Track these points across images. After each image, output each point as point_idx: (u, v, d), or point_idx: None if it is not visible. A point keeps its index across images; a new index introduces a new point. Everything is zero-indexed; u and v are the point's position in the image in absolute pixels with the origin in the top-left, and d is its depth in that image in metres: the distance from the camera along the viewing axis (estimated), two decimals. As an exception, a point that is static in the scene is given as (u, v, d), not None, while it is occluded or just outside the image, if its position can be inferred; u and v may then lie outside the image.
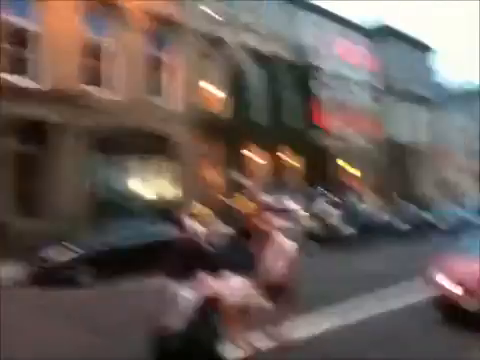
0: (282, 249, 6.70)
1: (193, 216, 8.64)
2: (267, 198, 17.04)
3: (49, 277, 12.35)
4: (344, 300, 10.14)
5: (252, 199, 15.61)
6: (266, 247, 6.64)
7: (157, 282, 4.53)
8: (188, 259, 3.92)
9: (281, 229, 7.15)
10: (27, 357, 6.95)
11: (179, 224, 6.83)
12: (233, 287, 5.29)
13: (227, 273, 5.49)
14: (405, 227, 24.16)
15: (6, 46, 17.32)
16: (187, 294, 3.63)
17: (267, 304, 6.10)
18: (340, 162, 31.53)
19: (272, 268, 6.49)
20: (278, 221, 7.53)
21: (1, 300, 10.89)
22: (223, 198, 19.80)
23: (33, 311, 9.86)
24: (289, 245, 6.84)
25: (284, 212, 8.89)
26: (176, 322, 3.53)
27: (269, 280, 6.35)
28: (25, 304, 10.61)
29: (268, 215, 7.20)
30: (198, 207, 16.10)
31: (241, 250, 6.26)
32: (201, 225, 7.60)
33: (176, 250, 4.86)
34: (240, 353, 5.26)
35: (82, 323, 8.85)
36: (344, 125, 32.08)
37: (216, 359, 3.64)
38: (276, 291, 6.31)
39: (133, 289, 11.95)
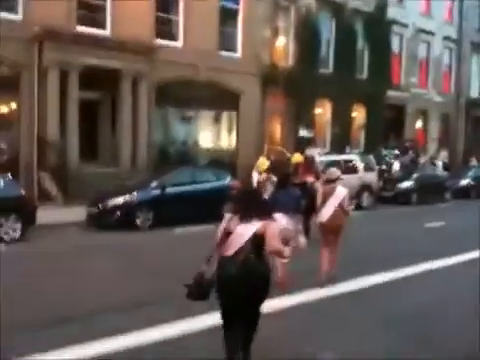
0: (334, 196, 8.09)
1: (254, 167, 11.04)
2: (318, 155, 17.67)
3: (108, 219, 12.62)
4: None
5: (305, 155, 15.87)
6: (318, 194, 8.37)
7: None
8: (245, 202, 4.74)
9: (328, 181, 8.39)
10: (83, 296, 7.02)
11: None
12: (280, 224, 6.29)
13: (277, 214, 6.98)
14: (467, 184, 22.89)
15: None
16: (244, 230, 4.47)
17: (303, 242, 7.48)
18: (414, 118, 30.18)
19: (322, 212, 8.10)
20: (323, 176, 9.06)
21: (64, 240, 11.33)
22: (282, 151, 19.67)
23: (90, 252, 10.08)
24: (339, 192, 8.14)
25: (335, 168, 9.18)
26: (232, 250, 4.43)
27: (321, 222, 8.11)
28: (83, 245, 10.88)
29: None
30: (260, 159, 16.17)
31: (290, 195, 8.02)
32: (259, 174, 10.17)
33: (234, 195, 6.08)
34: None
35: (138, 264, 8.93)
36: (422, 82, 30.53)
37: (267, 281, 4.50)
38: (327, 230, 8.02)
39: (189, 234, 12.07)
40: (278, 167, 12.26)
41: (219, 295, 4.47)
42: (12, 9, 16.41)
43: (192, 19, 19.92)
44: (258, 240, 4.43)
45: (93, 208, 12.88)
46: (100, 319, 6.03)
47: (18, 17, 16.44)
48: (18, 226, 10.92)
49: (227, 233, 4.52)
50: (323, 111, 25.21)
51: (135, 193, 13.08)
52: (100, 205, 12.80)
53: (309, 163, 11.19)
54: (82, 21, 17.55)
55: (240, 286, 4.34)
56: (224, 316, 4.57)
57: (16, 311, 6.08)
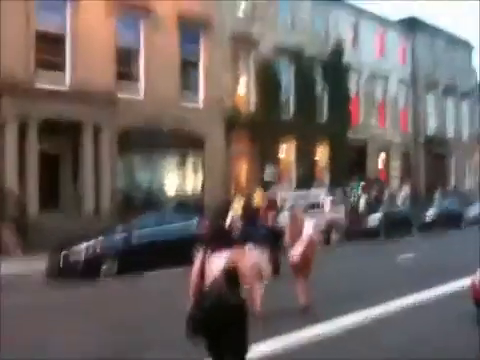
0: (302, 234, 8.25)
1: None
2: (283, 194, 18.00)
3: (72, 270, 12.09)
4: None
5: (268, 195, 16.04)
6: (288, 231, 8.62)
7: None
8: (215, 237, 4.94)
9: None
10: (47, 354, 6.52)
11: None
12: (252, 257, 7.21)
13: (250, 246, 7.75)
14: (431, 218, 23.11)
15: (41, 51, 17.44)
16: (217, 261, 4.61)
17: (270, 272, 8.06)
18: (375, 157, 30.80)
19: (292, 252, 8.25)
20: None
21: (26, 294, 10.75)
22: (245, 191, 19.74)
23: (55, 306, 9.55)
24: (306, 228, 8.32)
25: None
26: (208, 281, 4.57)
27: (292, 261, 8.20)
28: (48, 299, 10.34)
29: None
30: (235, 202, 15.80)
31: (258, 230, 8.55)
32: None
33: (205, 232, 6.13)
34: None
35: (103, 318, 8.45)
36: (381, 122, 31.39)
37: (244, 309, 4.57)
38: (299, 267, 8.14)
39: (155, 280, 11.66)
40: (246, 207, 12.75)
41: (202, 328, 4.49)
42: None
43: (152, 70, 20.06)
44: (230, 270, 4.56)
45: (54, 257, 12.35)
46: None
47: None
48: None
49: (202, 267, 4.67)
50: (287, 152, 25.43)
51: (100, 238, 12.65)
52: (62, 253, 12.30)
53: (272, 204, 11.08)
54: (41, 74, 17.43)
55: (216, 317, 4.44)
56: (208, 349, 4.55)
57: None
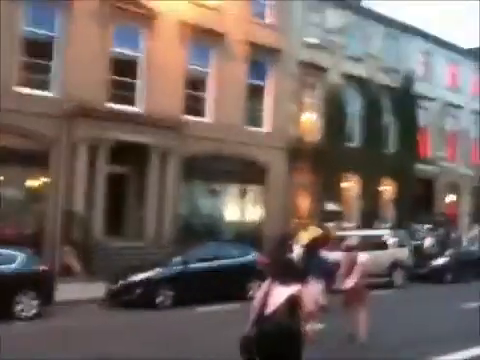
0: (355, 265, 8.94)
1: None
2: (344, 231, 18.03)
3: (128, 297, 12.24)
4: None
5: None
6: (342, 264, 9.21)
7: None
8: (282, 268, 5.32)
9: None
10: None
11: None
12: (312, 290, 8.02)
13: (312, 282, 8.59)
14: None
15: (113, 76, 18.09)
16: (281, 292, 4.95)
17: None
18: (444, 192, 29.56)
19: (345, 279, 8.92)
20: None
21: (82, 319, 10.98)
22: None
23: (108, 333, 9.68)
24: (360, 261, 9.03)
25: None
26: (269, 310, 4.91)
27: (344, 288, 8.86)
28: (104, 326, 10.50)
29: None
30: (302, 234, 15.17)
31: (321, 262, 9.41)
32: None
33: (271, 261, 7.37)
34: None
35: (159, 347, 8.45)
36: (451, 155, 30.19)
37: (300, 339, 4.91)
38: (350, 296, 8.75)
39: (211, 313, 11.57)
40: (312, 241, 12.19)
41: (257, 350, 4.86)
42: (45, 86, 17.01)
43: (220, 95, 20.32)
44: (293, 302, 4.96)
45: (113, 285, 12.55)
46: None
47: (50, 94, 16.99)
48: (34, 303, 10.67)
49: (266, 295, 5.05)
50: (351, 185, 24.93)
51: (157, 270, 12.75)
52: (121, 282, 12.48)
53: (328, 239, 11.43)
54: (113, 98, 18.04)
55: (274, 342, 4.80)
56: None
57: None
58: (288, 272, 5.27)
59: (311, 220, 20.83)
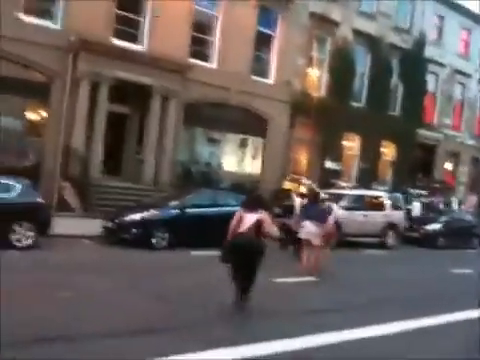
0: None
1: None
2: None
3: (123, 236, 12.30)
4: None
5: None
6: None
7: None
8: (253, 202, 7.72)
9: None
10: (89, 319, 6.59)
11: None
12: (307, 229, 10.90)
13: (307, 221, 11.01)
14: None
15: (121, 12, 17.57)
16: (250, 218, 7.27)
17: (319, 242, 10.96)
18: (444, 160, 29.52)
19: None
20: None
21: (75, 253, 11.05)
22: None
23: (99, 268, 9.74)
24: (334, 210, 12.16)
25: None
26: (242, 229, 7.25)
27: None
28: (95, 261, 10.58)
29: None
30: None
31: (317, 209, 11.29)
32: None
33: (246, 198, 8.45)
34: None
35: (146, 286, 8.51)
36: (455, 123, 29.96)
37: (261, 252, 7.31)
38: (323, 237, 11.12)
39: (205, 258, 11.66)
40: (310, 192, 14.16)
41: (231, 256, 7.22)
42: (51, 17, 16.55)
43: (228, 41, 19.86)
44: (259, 223, 7.29)
45: (109, 223, 12.59)
46: (94, 344, 5.55)
47: (56, 26, 16.55)
48: (31, 234, 10.70)
49: (239, 219, 7.37)
50: (352, 144, 24.80)
51: (154, 211, 12.77)
52: (117, 220, 12.51)
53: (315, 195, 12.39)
54: (118, 34, 17.60)
55: (245, 252, 7.16)
56: (232, 269, 7.27)
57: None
58: (257, 204, 7.59)
59: (307, 177, 20.90)
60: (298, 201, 13.83)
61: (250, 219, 7.22)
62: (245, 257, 7.10)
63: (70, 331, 5.80)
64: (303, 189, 16.14)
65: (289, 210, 13.76)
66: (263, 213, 7.34)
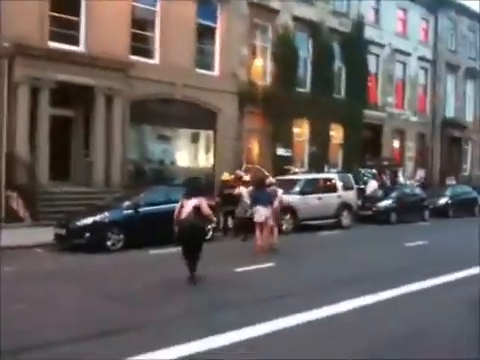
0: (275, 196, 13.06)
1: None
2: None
3: (77, 241, 12.00)
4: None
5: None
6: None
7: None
8: (190, 190, 9.07)
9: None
10: (46, 323, 6.40)
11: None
12: (260, 212, 12.25)
13: (259, 206, 12.34)
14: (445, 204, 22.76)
15: (56, 14, 17.05)
16: (190, 203, 8.53)
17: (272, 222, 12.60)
18: (391, 138, 30.25)
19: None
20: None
21: (27, 263, 10.68)
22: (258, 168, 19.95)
23: (53, 276, 9.47)
24: (279, 193, 13.31)
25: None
26: (185, 216, 8.45)
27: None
28: (46, 269, 10.28)
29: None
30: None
31: (263, 194, 12.69)
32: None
33: (187, 188, 9.42)
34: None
35: (103, 290, 8.33)
36: (398, 102, 30.73)
37: (203, 232, 9.31)
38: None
39: (159, 256, 11.54)
40: (256, 179, 15.41)
41: (179, 240, 8.56)
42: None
43: (169, 36, 19.62)
44: (197, 208, 8.44)
45: (61, 229, 12.25)
46: (56, 351, 5.43)
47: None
48: (-22, 248, 10.29)
49: (181, 206, 8.59)
50: (301, 130, 25.05)
51: (106, 213, 12.51)
52: (69, 226, 12.19)
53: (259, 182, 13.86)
54: (55, 37, 17.10)
55: (188, 234, 8.36)
56: (183, 251, 8.49)
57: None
58: (195, 191, 8.80)
59: (263, 165, 21.01)
60: (244, 190, 15.02)
61: (189, 205, 8.40)
62: (188, 239, 8.32)
63: (27, 342, 5.62)
64: (247, 178, 16.86)
65: (232, 199, 14.99)
66: (200, 198, 8.51)
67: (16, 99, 15.94)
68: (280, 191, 13.34)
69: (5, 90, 15.95)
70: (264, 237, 12.17)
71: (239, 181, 16.08)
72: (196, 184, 9.75)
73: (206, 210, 8.52)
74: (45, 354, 5.35)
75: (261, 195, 12.53)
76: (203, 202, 8.52)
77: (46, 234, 12.50)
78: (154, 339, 5.74)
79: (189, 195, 8.62)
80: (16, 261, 10.63)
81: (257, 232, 12.19)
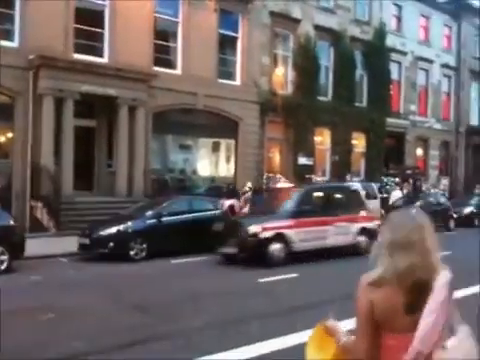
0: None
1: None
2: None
3: (101, 250, 12.11)
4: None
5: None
6: None
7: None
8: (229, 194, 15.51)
9: None
10: (74, 334, 6.46)
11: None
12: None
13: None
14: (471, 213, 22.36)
15: (80, 26, 17.35)
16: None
17: None
18: (414, 146, 29.90)
19: None
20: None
21: (53, 273, 10.81)
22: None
23: (81, 285, 9.55)
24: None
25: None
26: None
27: None
28: (74, 278, 10.38)
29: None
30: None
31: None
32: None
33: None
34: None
35: (129, 299, 8.38)
36: (421, 109, 30.40)
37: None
38: None
39: (185, 265, 11.56)
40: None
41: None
42: (8, 36, 16.24)
43: (191, 46, 19.78)
44: (231, 207, 14.43)
45: (85, 239, 12.37)
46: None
47: (14, 44, 16.25)
48: (4, 258, 10.43)
49: (222, 205, 14.65)
50: (322, 139, 24.94)
51: (129, 223, 12.60)
52: (93, 235, 12.31)
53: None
54: (79, 49, 17.37)
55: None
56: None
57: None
58: (230, 194, 14.89)
59: (284, 174, 20.95)
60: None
61: (225, 204, 13.20)
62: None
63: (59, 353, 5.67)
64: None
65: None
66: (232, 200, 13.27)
67: (41, 110, 16.20)
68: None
69: (30, 101, 16.23)
70: None
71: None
72: (231, 191, 15.34)
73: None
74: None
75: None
76: (235, 202, 13.52)
77: (70, 244, 12.65)
78: (181, 349, 5.73)
79: (228, 196, 13.51)
80: (42, 270, 10.78)
81: None
